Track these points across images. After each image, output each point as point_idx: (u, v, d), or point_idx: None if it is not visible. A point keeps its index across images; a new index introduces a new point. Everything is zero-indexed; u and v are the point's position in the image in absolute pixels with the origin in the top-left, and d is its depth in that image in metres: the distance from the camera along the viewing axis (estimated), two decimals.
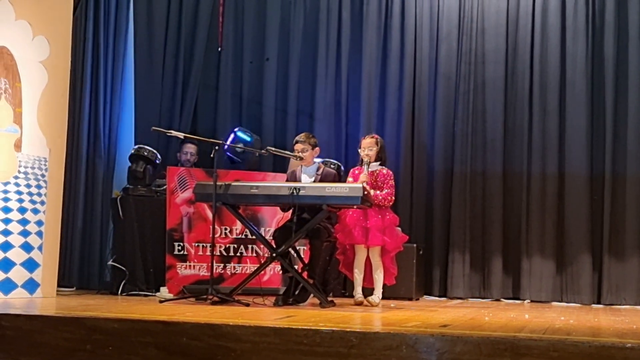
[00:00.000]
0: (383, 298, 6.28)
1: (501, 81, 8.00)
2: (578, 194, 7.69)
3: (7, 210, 6.09)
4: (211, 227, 6.11)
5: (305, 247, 6.64)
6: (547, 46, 7.92)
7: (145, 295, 6.87)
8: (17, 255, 6.12)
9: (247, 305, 5.60)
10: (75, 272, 7.68)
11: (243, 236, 7.17)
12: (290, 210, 6.18)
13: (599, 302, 7.50)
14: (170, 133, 6.48)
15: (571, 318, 5.39)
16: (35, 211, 6.30)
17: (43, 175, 6.39)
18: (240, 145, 7.59)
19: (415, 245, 7.35)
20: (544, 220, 7.76)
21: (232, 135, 7.74)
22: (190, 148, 7.70)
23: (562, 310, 6.45)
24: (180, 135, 6.60)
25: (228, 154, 7.75)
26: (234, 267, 7.16)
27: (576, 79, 7.80)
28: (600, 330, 4.43)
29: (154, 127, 6.60)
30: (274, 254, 5.99)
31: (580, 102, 7.76)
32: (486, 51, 8.06)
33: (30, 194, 6.26)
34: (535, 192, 7.81)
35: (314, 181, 6.22)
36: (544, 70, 7.91)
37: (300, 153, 6.30)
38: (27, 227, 6.22)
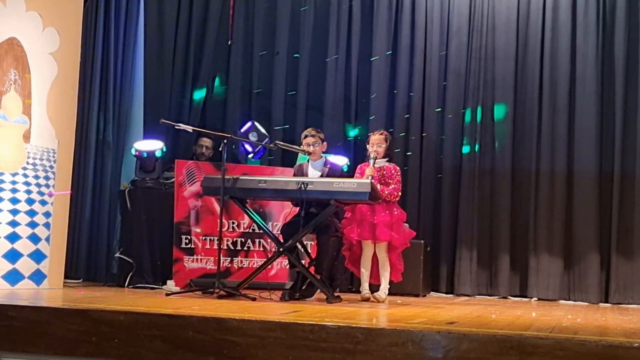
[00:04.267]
0: (390, 294, 6.27)
1: (511, 78, 7.98)
2: (587, 192, 7.67)
3: (15, 201, 6.10)
4: (219, 220, 6.11)
5: (312, 242, 6.64)
6: (558, 43, 7.89)
7: (152, 288, 6.88)
8: (24, 246, 6.14)
9: (254, 299, 5.60)
10: (82, 264, 7.70)
11: (250, 230, 7.17)
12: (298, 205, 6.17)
13: (606, 301, 7.48)
14: (179, 126, 6.47)
15: (578, 317, 5.37)
16: (43, 202, 6.31)
17: (51, 167, 6.40)
18: (254, 135, 7.52)
19: (422, 241, 7.33)
20: (552, 218, 7.74)
21: (248, 124, 7.65)
22: (206, 142, 7.69)
23: (569, 309, 6.43)
24: (189, 128, 6.59)
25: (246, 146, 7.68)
26: (241, 261, 7.17)
27: (586, 77, 7.77)
28: (608, 329, 4.41)
29: (162, 120, 6.60)
30: (281, 249, 5.99)
31: (590, 100, 7.74)
32: (496, 47, 8.04)
33: (38, 185, 6.27)
34: (544, 190, 7.79)
35: (321, 175, 6.21)
36: (554, 67, 7.88)
37: (311, 147, 6.28)
38: (35, 219, 6.24)
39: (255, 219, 6.31)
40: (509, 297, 7.71)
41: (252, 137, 7.35)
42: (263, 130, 7.50)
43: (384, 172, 6.25)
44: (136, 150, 7.37)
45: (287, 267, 6.88)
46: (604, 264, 7.58)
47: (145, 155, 7.32)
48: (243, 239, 7.19)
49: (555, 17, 7.91)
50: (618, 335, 3.84)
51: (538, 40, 7.95)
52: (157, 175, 7.39)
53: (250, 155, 7.73)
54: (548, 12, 7.92)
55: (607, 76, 7.77)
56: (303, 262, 6.27)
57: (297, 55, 8.42)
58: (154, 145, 7.39)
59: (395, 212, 6.20)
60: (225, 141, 6.09)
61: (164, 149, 7.42)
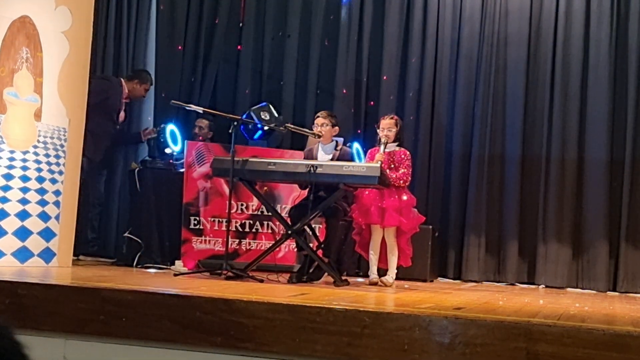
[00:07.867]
0: (397, 279, 6.27)
1: (523, 64, 7.93)
2: (597, 180, 7.64)
3: (25, 179, 6.11)
4: (227, 202, 6.12)
5: (320, 226, 6.64)
6: (571, 30, 7.83)
7: (160, 268, 6.89)
8: (34, 224, 6.15)
9: (261, 281, 5.61)
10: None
11: (259, 212, 7.18)
12: (307, 188, 6.17)
13: (614, 290, 7.47)
14: (190, 107, 6.47)
15: (586, 305, 5.36)
16: (54, 181, 6.32)
17: (62, 146, 6.40)
18: (257, 120, 7.48)
19: (431, 226, 7.32)
20: (561, 206, 7.72)
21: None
22: (200, 122, 7.69)
23: (577, 297, 6.42)
24: (200, 109, 6.58)
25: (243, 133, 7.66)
26: (249, 243, 7.18)
27: (599, 64, 7.72)
28: (615, 318, 4.40)
29: (173, 101, 6.59)
30: (289, 231, 5.99)
31: (602, 87, 7.69)
32: (509, 33, 7.99)
33: (49, 163, 6.28)
34: (554, 177, 7.77)
35: (332, 158, 6.20)
36: (567, 54, 7.83)
37: (320, 127, 6.27)
38: (45, 197, 6.25)
39: (264, 202, 6.32)
40: (517, 283, 7.71)
41: (264, 116, 7.31)
42: (276, 114, 7.47)
43: (394, 157, 6.24)
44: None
45: (295, 249, 6.89)
46: (612, 252, 7.56)
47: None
48: (251, 221, 7.20)
49: (569, 4, 7.85)
50: (626, 324, 3.83)
51: (551, 27, 7.90)
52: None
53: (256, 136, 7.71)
54: None
55: (620, 63, 7.72)
56: (311, 245, 6.27)
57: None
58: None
59: (405, 197, 6.19)
60: (235, 123, 6.08)
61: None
